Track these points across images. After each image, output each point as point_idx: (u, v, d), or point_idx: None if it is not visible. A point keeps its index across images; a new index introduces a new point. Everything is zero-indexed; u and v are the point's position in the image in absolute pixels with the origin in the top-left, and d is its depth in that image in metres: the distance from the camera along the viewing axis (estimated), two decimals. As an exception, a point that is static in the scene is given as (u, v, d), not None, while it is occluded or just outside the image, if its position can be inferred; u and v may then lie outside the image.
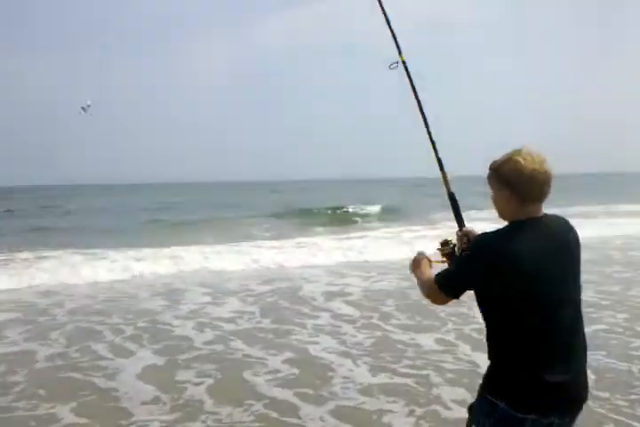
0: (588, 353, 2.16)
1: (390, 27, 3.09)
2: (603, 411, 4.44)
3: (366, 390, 5.04)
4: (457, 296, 2.15)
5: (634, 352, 5.79)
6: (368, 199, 31.61)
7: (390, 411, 4.60)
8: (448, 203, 2.71)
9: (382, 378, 5.32)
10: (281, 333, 6.91)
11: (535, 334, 2.02)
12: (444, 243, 2.43)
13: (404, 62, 2.94)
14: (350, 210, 27.12)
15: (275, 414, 4.64)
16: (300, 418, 4.55)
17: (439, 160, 2.75)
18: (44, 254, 12.94)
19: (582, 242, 2.19)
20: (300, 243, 14.79)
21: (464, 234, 2.48)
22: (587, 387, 2.14)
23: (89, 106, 5.93)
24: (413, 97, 2.89)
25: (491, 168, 2.15)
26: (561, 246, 2.10)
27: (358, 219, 24.97)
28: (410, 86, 2.90)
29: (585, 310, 2.08)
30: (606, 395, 4.72)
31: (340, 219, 24.74)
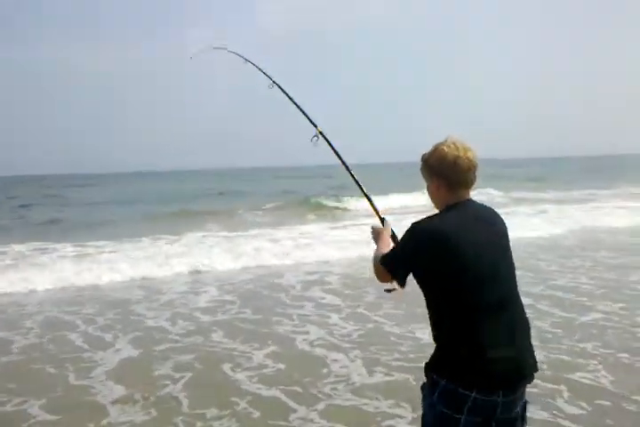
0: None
1: (297, 105, 3.05)
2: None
3: (361, 390, 4.17)
4: (400, 276, 2.03)
5: None
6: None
7: (397, 416, 3.70)
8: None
9: (380, 376, 4.41)
10: (264, 323, 6.01)
11: (471, 310, 1.88)
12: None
13: (321, 133, 2.90)
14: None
15: (259, 414, 3.76)
16: (287, 420, 3.68)
17: (371, 201, 2.74)
18: (41, 247, 11.66)
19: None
20: (293, 233, 13.26)
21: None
22: (532, 365, 1.96)
23: None
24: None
25: (422, 160, 2.10)
26: (487, 223, 2.02)
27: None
28: (333, 153, 2.87)
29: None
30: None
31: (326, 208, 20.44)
